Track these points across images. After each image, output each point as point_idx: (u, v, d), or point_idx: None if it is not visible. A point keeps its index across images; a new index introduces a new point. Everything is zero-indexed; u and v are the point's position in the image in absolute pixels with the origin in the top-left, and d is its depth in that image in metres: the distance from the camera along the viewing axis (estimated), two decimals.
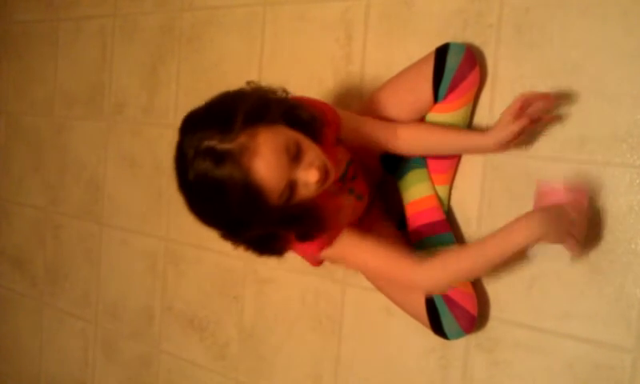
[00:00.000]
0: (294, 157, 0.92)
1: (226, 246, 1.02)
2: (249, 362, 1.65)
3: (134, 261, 1.92)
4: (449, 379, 1.30)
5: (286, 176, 0.90)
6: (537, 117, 1.10)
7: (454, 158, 1.25)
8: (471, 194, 1.26)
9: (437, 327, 1.17)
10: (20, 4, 2.28)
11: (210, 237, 0.99)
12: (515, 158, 1.20)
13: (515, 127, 1.07)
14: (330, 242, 1.08)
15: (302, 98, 1.08)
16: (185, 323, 1.79)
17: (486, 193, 1.25)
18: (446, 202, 1.26)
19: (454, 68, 1.14)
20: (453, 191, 1.28)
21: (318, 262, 1.19)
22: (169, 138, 1.80)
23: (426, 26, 1.32)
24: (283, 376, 1.57)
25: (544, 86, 1.17)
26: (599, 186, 1.12)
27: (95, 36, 2.01)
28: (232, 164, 0.85)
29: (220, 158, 0.85)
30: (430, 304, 1.17)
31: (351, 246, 1.11)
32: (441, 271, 1.07)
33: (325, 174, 0.95)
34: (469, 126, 1.23)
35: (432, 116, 1.20)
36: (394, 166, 1.29)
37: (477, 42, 1.25)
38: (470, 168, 1.26)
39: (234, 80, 1.64)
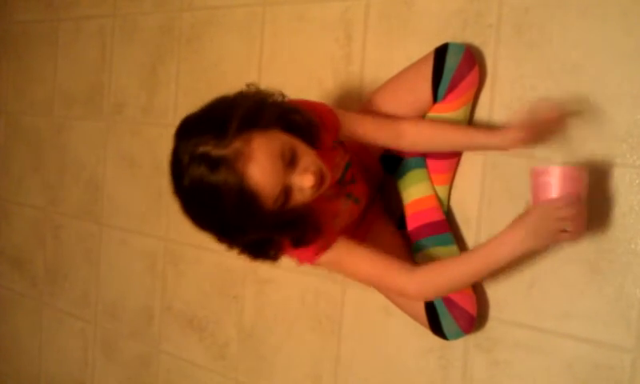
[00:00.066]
0: (289, 162, 0.92)
1: None
2: (248, 361, 1.65)
3: (133, 261, 1.92)
4: (448, 379, 1.29)
5: (281, 181, 0.90)
6: (546, 130, 1.11)
7: (454, 158, 1.25)
8: (471, 193, 1.26)
9: (436, 328, 1.17)
10: (20, 4, 2.28)
11: (210, 237, 0.99)
12: (515, 157, 1.19)
13: (524, 137, 1.08)
14: (325, 249, 1.08)
15: (299, 100, 1.07)
16: (184, 323, 1.79)
17: (485, 193, 1.25)
18: (445, 202, 1.26)
19: (453, 68, 1.14)
20: (452, 191, 1.28)
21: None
22: (168, 138, 1.77)
23: (425, 25, 1.32)
24: (283, 376, 1.57)
25: (544, 85, 1.17)
26: (599, 186, 1.12)
27: (95, 36, 2.01)
28: (226, 169, 0.85)
29: (215, 163, 0.85)
30: (429, 305, 1.17)
31: (345, 254, 1.11)
32: (429, 283, 1.09)
33: (320, 178, 0.95)
34: (468, 126, 1.23)
35: (431, 116, 1.20)
36: (394, 166, 1.29)
37: (476, 41, 1.25)
38: (470, 168, 1.26)
39: (233, 80, 1.66)
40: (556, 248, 1.14)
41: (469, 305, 1.17)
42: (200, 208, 0.91)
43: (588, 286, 1.13)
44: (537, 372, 1.19)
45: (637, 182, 1.09)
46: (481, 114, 1.24)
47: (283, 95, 1.02)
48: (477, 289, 1.22)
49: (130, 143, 1.92)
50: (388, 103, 1.23)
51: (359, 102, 1.38)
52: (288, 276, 1.55)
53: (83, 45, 2.05)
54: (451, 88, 1.15)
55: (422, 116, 1.22)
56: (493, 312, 1.24)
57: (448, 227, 1.24)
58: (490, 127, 1.22)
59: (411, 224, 1.25)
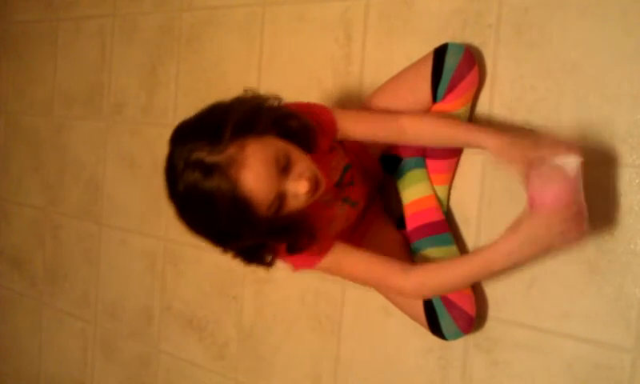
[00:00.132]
0: (284, 168, 0.92)
1: None
2: (248, 361, 1.65)
3: (133, 261, 1.92)
4: (448, 379, 1.29)
5: (275, 188, 0.90)
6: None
7: (454, 159, 1.25)
8: (470, 194, 1.26)
9: (435, 328, 1.17)
10: (19, 4, 2.28)
11: (205, 241, 0.99)
12: None
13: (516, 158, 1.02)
14: (322, 255, 1.09)
15: (296, 103, 1.07)
16: (184, 323, 1.79)
17: (485, 193, 1.25)
18: (445, 203, 1.26)
19: (452, 68, 1.14)
20: (452, 191, 1.28)
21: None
22: (168, 138, 1.79)
23: (425, 25, 1.32)
24: (282, 376, 1.57)
25: (544, 85, 1.17)
26: (599, 186, 1.12)
27: (94, 36, 2.01)
28: (220, 176, 0.85)
29: (209, 170, 0.85)
30: (428, 305, 1.17)
31: (343, 258, 1.11)
32: (425, 284, 1.09)
33: (315, 184, 0.95)
34: None
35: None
36: (393, 166, 1.29)
37: (476, 41, 1.25)
38: (470, 168, 1.26)
39: (233, 80, 1.66)
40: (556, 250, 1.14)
41: (468, 305, 1.17)
42: (194, 214, 0.92)
43: (588, 285, 1.13)
44: (536, 372, 1.19)
45: (636, 181, 1.09)
46: (481, 113, 1.24)
47: (280, 99, 1.02)
48: (476, 289, 1.22)
49: (129, 143, 1.92)
50: (388, 103, 1.23)
51: (359, 102, 1.38)
52: (287, 276, 1.55)
53: (83, 45, 2.05)
54: (451, 88, 1.15)
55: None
56: (492, 312, 1.24)
57: (447, 227, 1.24)
58: (488, 128, 1.19)
59: (411, 224, 1.25)
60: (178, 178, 0.88)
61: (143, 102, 1.87)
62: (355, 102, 1.40)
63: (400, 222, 1.30)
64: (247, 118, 0.91)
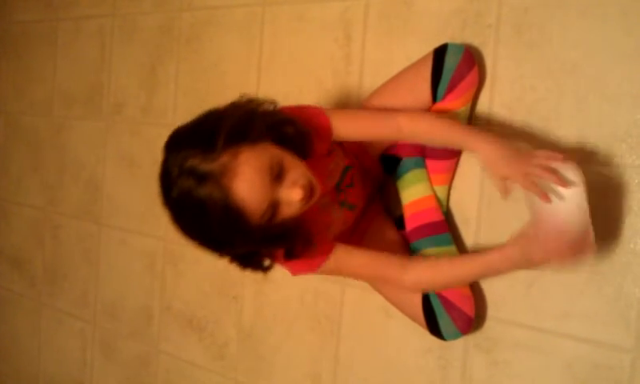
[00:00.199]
0: (277, 175, 0.91)
1: None
2: (248, 361, 1.65)
3: (132, 261, 1.92)
4: (448, 379, 1.29)
5: (268, 196, 0.90)
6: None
7: (453, 159, 1.25)
8: (470, 194, 1.26)
9: (433, 328, 1.17)
10: (19, 4, 2.28)
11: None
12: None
13: (504, 179, 1.02)
14: (323, 260, 1.09)
15: (291, 107, 1.06)
16: (184, 323, 1.79)
17: (485, 193, 1.25)
18: (444, 203, 1.26)
19: (452, 68, 1.14)
20: (452, 192, 1.28)
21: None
22: (171, 131, 1.79)
23: (425, 25, 1.32)
24: (282, 376, 1.57)
25: (543, 85, 1.17)
26: (598, 186, 1.12)
27: (94, 36, 2.01)
28: (212, 185, 0.85)
29: (201, 178, 0.85)
30: (427, 305, 1.17)
31: (343, 260, 1.12)
32: (423, 282, 1.14)
33: (309, 191, 0.95)
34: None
35: None
36: (393, 166, 1.29)
37: (476, 42, 1.25)
38: (469, 168, 1.26)
39: (232, 80, 1.66)
40: None
41: (466, 306, 1.17)
42: (187, 220, 0.92)
43: (587, 285, 1.13)
44: (536, 372, 1.19)
45: (636, 181, 1.09)
46: (480, 113, 1.24)
47: (275, 104, 1.02)
48: (475, 289, 1.22)
49: (129, 143, 1.92)
50: (387, 104, 1.23)
51: (358, 101, 1.38)
52: (287, 276, 1.54)
53: (83, 45, 2.05)
54: (450, 88, 1.15)
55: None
56: (492, 312, 1.24)
57: (447, 227, 1.24)
58: (485, 133, 1.17)
59: (410, 224, 1.25)
60: (172, 184, 0.88)
61: (143, 102, 1.87)
62: (355, 102, 1.40)
63: (399, 222, 1.30)
64: (241, 124, 0.90)
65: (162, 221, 1.81)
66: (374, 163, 1.32)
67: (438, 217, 1.23)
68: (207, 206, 0.86)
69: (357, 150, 1.28)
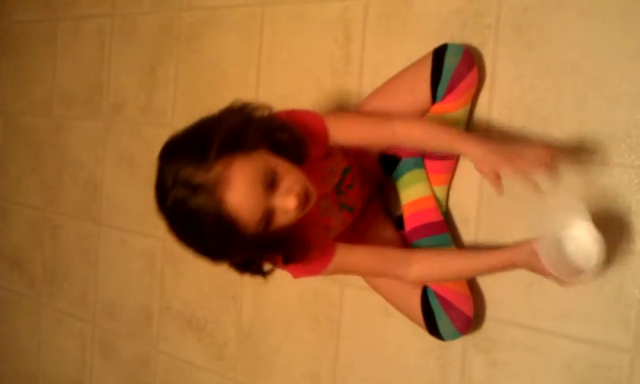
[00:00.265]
0: (270, 184, 0.91)
1: None
2: (247, 361, 1.65)
3: (132, 261, 1.91)
4: (447, 379, 1.29)
5: (262, 206, 0.90)
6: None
7: (453, 159, 1.25)
8: (470, 194, 1.26)
9: (432, 328, 1.17)
10: (18, 4, 2.28)
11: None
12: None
13: (503, 166, 1.01)
14: (326, 263, 1.09)
15: (287, 112, 1.06)
16: (183, 323, 1.79)
17: (484, 194, 1.25)
18: (444, 203, 1.26)
19: (451, 69, 1.14)
20: (451, 192, 1.28)
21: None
22: (167, 138, 1.79)
23: (424, 26, 1.32)
24: (282, 376, 1.57)
25: (543, 86, 1.17)
26: (598, 186, 1.12)
27: (94, 36, 2.01)
28: (205, 196, 0.85)
29: (194, 189, 0.85)
30: (426, 305, 1.17)
31: (344, 260, 1.12)
32: (424, 276, 1.16)
33: (304, 198, 0.94)
34: (467, 126, 1.23)
35: (431, 117, 1.20)
36: (392, 166, 1.29)
37: (475, 42, 1.25)
38: (469, 169, 1.25)
39: (232, 80, 1.66)
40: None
41: (465, 306, 1.17)
42: (182, 230, 0.92)
43: (587, 285, 1.13)
44: (535, 372, 1.19)
45: (635, 182, 1.09)
46: (480, 114, 1.24)
47: (270, 109, 1.01)
48: (474, 289, 1.22)
49: (128, 143, 1.91)
50: (387, 104, 1.23)
51: (358, 102, 1.38)
52: (287, 276, 1.55)
53: (82, 44, 2.05)
54: (450, 88, 1.15)
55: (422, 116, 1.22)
56: (491, 312, 1.24)
57: (446, 228, 1.24)
58: (478, 137, 1.18)
59: (409, 224, 1.25)
60: (166, 194, 0.88)
61: (142, 102, 1.87)
62: (354, 102, 1.40)
63: (399, 222, 1.30)
64: (234, 133, 0.90)
65: (161, 221, 1.81)
66: (373, 163, 1.32)
67: (437, 217, 1.23)
68: (200, 216, 0.86)
69: (356, 150, 1.28)
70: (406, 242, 1.26)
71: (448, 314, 1.15)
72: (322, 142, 1.08)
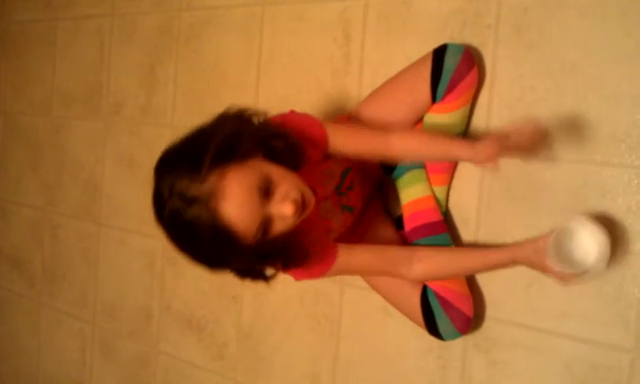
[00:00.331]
0: (266, 192, 0.90)
1: None
2: (247, 361, 1.65)
3: (131, 261, 1.91)
4: (447, 379, 1.29)
5: (259, 215, 0.89)
6: (522, 146, 1.08)
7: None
8: (470, 194, 1.26)
9: (432, 328, 1.17)
10: (18, 4, 2.28)
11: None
12: (514, 158, 1.19)
13: (494, 151, 1.03)
14: (329, 266, 1.09)
15: (286, 115, 1.06)
16: (183, 323, 1.79)
17: (484, 194, 1.25)
18: (443, 203, 1.26)
19: (451, 69, 1.14)
20: (451, 192, 1.28)
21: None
22: (167, 138, 1.77)
23: (424, 26, 1.32)
24: (281, 376, 1.57)
25: (543, 86, 1.17)
26: (598, 186, 1.12)
27: (93, 36, 2.01)
28: (200, 207, 0.85)
29: (189, 201, 0.85)
30: (426, 305, 1.18)
31: (348, 260, 1.12)
32: (426, 274, 1.17)
33: (301, 203, 0.94)
34: (467, 126, 1.23)
35: (430, 116, 1.20)
36: (392, 166, 1.29)
37: (475, 42, 1.25)
38: (469, 169, 1.26)
39: (232, 80, 1.66)
40: None
41: (465, 306, 1.17)
42: (180, 241, 0.92)
43: (587, 285, 1.13)
44: (535, 372, 1.19)
45: (635, 182, 1.09)
46: (480, 114, 1.24)
47: (266, 115, 1.01)
48: (474, 289, 1.22)
49: (128, 143, 1.91)
50: (387, 103, 1.23)
51: (358, 102, 1.38)
52: (287, 276, 1.55)
53: (82, 44, 2.05)
54: (450, 88, 1.15)
55: (421, 117, 1.22)
56: (491, 312, 1.24)
57: (446, 228, 1.24)
58: (469, 141, 1.20)
59: (409, 224, 1.25)
60: (163, 204, 0.88)
61: (142, 102, 1.87)
62: (354, 102, 1.40)
63: (399, 222, 1.30)
64: (227, 143, 0.89)
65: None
66: (373, 163, 1.32)
67: (436, 217, 1.23)
68: (196, 227, 0.86)
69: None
70: (405, 242, 1.26)
71: (448, 314, 1.15)
72: (322, 147, 1.08)
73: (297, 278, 1.12)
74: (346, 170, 1.20)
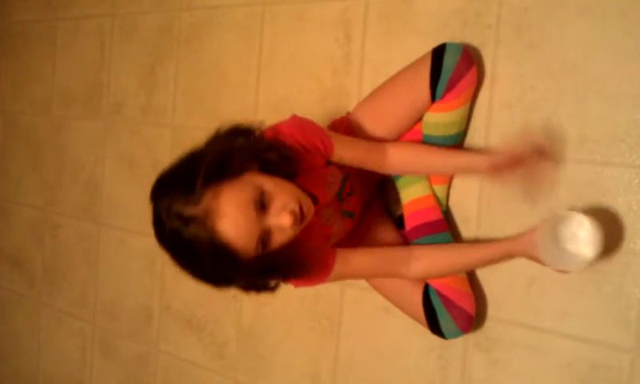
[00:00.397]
0: (262, 205, 0.90)
1: None
2: (247, 361, 1.65)
3: (132, 260, 1.91)
4: (448, 379, 1.29)
5: (256, 229, 0.89)
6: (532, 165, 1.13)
7: None
8: (470, 194, 1.26)
9: (434, 327, 1.17)
10: (18, 4, 2.28)
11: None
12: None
13: (499, 167, 1.11)
14: (328, 273, 1.09)
15: (290, 124, 1.05)
16: (183, 323, 1.79)
17: (484, 193, 1.25)
18: (444, 202, 1.26)
19: (451, 68, 1.14)
20: (452, 191, 1.28)
21: None
22: (167, 138, 1.79)
23: (424, 25, 1.32)
24: (282, 375, 1.57)
25: (543, 85, 1.17)
26: (598, 186, 1.12)
27: (94, 35, 2.01)
28: (198, 227, 0.85)
29: (187, 221, 0.86)
30: (428, 304, 1.18)
31: (347, 265, 1.12)
32: (426, 272, 1.18)
33: (299, 213, 0.93)
34: (467, 125, 1.23)
35: (430, 115, 1.20)
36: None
37: (475, 41, 1.25)
38: None
39: (232, 80, 1.66)
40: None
41: (467, 304, 1.17)
42: (181, 260, 0.92)
43: (587, 285, 1.13)
44: (535, 372, 1.19)
45: (635, 181, 1.09)
46: (480, 113, 1.24)
47: (260, 127, 1.01)
48: (475, 288, 1.22)
49: (128, 143, 1.91)
50: (387, 103, 1.23)
51: (358, 101, 1.38)
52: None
53: (82, 44, 2.05)
54: (449, 87, 1.15)
55: (421, 116, 1.22)
56: (492, 311, 1.24)
57: (446, 226, 1.24)
58: (474, 151, 1.22)
59: (409, 223, 1.25)
60: (163, 225, 0.89)
61: (142, 102, 1.87)
62: (354, 102, 1.40)
63: (400, 221, 1.30)
64: (218, 161, 0.89)
65: None
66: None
67: (436, 216, 1.24)
68: (195, 247, 0.86)
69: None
70: (406, 242, 1.26)
71: (450, 312, 1.15)
72: (325, 155, 1.09)
73: (296, 286, 1.12)
74: (346, 176, 1.20)
